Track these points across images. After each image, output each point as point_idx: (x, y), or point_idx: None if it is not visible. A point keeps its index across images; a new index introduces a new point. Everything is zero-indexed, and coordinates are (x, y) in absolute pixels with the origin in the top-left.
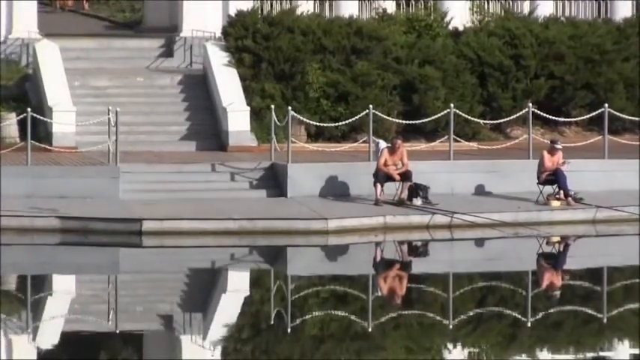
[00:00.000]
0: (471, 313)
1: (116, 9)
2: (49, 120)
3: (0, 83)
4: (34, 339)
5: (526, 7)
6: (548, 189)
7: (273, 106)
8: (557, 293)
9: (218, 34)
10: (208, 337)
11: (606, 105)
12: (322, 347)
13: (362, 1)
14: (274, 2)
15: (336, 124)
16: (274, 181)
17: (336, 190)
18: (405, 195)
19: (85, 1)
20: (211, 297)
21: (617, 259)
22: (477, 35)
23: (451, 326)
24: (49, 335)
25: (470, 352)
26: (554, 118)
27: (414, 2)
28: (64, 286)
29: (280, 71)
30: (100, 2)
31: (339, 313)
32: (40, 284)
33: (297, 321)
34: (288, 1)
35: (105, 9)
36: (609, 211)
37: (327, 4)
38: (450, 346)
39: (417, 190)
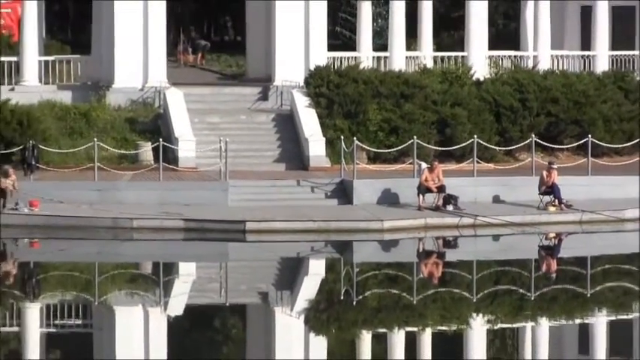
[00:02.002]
0: (491, 290)
1: (225, 65)
2: (175, 147)
3: (139, 120)
4: (165, 310)
5: (530, 63)
6: (547, 198)
7: (342, 137)
8: (554, 275)
9: (301, 83)
10: (295, 308)
11: (589, 136)
12: (379, 315)
13: (408, 58)
14: (343, 59)
15: (389, 150)
16: (343, 193)
17: (389, 199)
18: (440, 203)
19: (201, 58)
20: (296, 279)
21: (597, 249)
22: (494, 84)
23: (475, 299)
24: (177, 307)
25: (488, 319)
26: (551, 145)
27: (447, 59)
28: (187, 271)
29: (347, 111)
30: (213, 59)
31: (393, 290)
32: (169, 269)
33: (361, 296)
34: (353, 59)
35: (217, 64)
36: (592, 215)
37: (382, 61)
38: (473, 314)
39: (449, 199)
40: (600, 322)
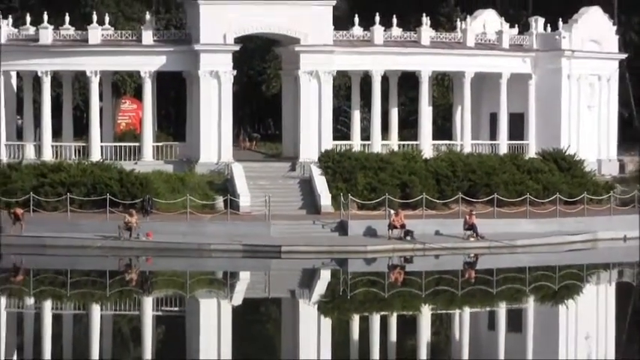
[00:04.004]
0: (434, 288)
1: (269, 148)
2: (237, 200)
3: (215, 182)
4: (230, 300)
5: (459, 148)
6: (468, 232)
7: (341, 194)
8: (473, 280)
9: (316, 160)
10: (312, 299)
11: (495, 194)
12: (364, 304)
13: (382, 145)
14: (342, 146)
15: (370, 202)
16: (342, 228)
17: (370, 233)
18: (402, 235)
19: (254, 145)
20: (312, 282)
21: (500, 264)
22: (435, 161)
23: (423, 295)
24: (238, 298)
25: (432, 307)
26: (471, 199)
27: (407, 146)
28: (244, 277)
29: (344, 178)
30: (261, 145)
31: (373, 289)
32: (234, 276)
33: (353, 292)
34: (349, 145)
35: (263, 148)
36: (496, 243)
37: (366, 147)
38: (423, 303)
39: (408, 233)
40: (502, 308)
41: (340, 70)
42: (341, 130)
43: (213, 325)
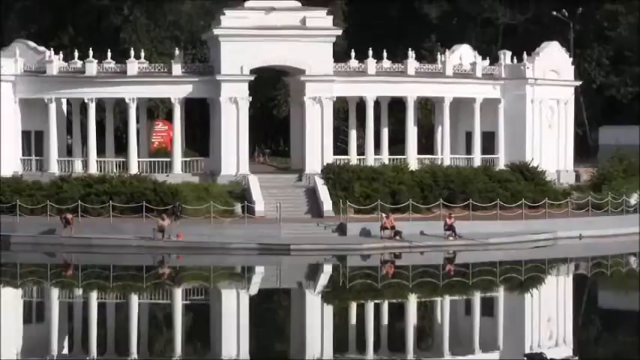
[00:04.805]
0: (419, 280)
1: (279, 162)
2: (253, 206)
3: (234, 191)
4: (248, 290)
5: (440, 161)
6: (448, 232)
7: (340, 200)
8: (452, 272)
9: (319, 171)
10: (316, 289)
11: (470, 200)
12: (360, 293)
13: (375, 159)
14: (341, 160)
15: (365, 207)
16: (341, 229)
17: (365, 233)
18: (392, 235)
19: (267, 159)
20: (316, 274)
21: (474, 259)
22: (420, 172)
23: (410, 285)
24: (254, 289)
25: (418, 295)
26: (450, 205)
27: (396, 160)
28: (259, 271)
29: (343, 187)
30: (272, 160)
31: (367, 280)
32: (250, 270)
33: (351, 283)
34: (347, 160)
35: (275, 162)
36: (472, 241)
37: (362, 161)
38: (409, 292)
39: (397, 233)
40: (477, 297)
41: (339, 96)
42: (340, 147)
43: (233, 311)
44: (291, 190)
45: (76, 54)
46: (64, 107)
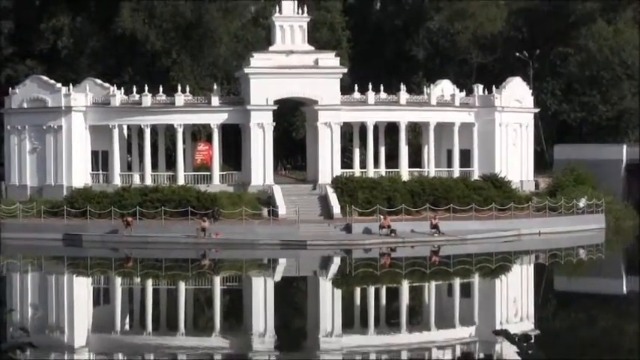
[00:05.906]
0: (411, 269)
1: (298, 175)
2: (277, 209)
3: (261, 198)
4: (273, 278)
5: (427, 173)
6: (433, 230)
7: (347, 205)
8: (437, 262)
9: (330, 182)
10: (328, 276)
11: (451, 204)
12: (364, 279)
13: (374, 172)
14: (347, 173)
15: (367, 210)
16: (348, 228)
17: (367, 231)
18: (389, 233)
19: (288, 172)
20: (327, 265)
21: (455, 252)
22: (410, 182)
23: (404, 273)
24: (278, 276)
25: (409, 281)
26: (435, 208)
27: (391, 172)
28: (282, 262)
29: (349, 194)
30: (292, 173)
31: (369, 269)
32: (274, 262)
33: (356, 272)
34: (352, 172)
35: (294, 175)
36: (453, 237)
37: (364, 173)
38: (403, 279)
39: (393, 231)
40: (457, 281)
41: (345, 121)
42: (346, 162)
43: (261, 294)
44: (307, 197)
45: (135, 89)
46: (125, 132)
